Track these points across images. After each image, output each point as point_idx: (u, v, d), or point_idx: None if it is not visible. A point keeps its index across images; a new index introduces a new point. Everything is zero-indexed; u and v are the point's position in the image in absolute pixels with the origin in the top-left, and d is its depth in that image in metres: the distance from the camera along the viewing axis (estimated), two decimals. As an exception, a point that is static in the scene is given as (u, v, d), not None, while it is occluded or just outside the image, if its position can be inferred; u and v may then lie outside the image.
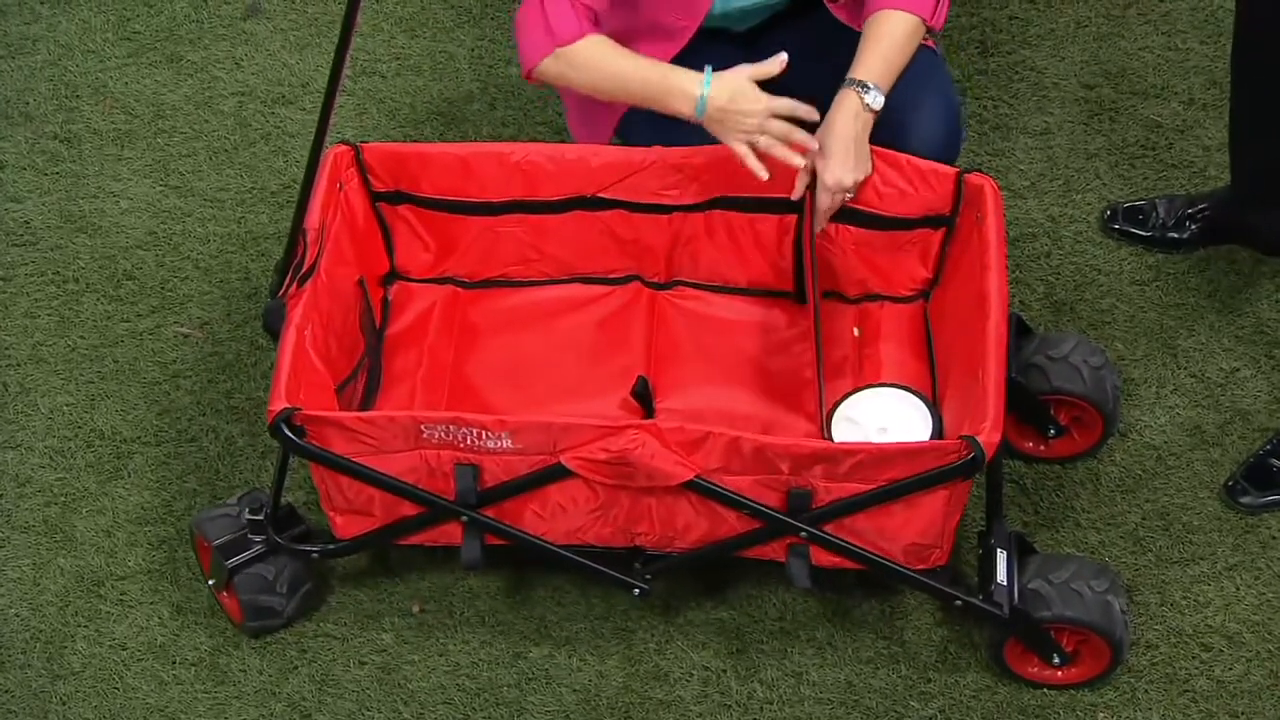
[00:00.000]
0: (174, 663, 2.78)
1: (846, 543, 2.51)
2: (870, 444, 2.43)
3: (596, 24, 2.62)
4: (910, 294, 2.82)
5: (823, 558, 2.55)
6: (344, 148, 2.73)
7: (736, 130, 2.56)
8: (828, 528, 2.49)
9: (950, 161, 2.72)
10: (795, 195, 2.67)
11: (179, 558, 2.89)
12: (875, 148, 2.63)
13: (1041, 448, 2.88)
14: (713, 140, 2.67)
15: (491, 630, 2.78)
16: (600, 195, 2.76)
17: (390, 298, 2.89)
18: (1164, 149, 3.28)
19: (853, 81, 2.57)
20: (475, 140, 3.38)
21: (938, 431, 2.59)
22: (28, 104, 3.54)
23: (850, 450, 2.39)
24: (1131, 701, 2.65)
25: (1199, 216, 3.12)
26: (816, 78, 2.63)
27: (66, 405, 3.09)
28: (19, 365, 3.15)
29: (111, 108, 3.52)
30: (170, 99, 3.53)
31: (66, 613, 2.85)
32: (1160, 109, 3.34)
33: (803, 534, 2.50)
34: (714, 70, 2.56)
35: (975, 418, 2.41)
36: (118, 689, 2.76)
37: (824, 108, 2.59)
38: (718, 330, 2.83)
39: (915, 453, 2.39)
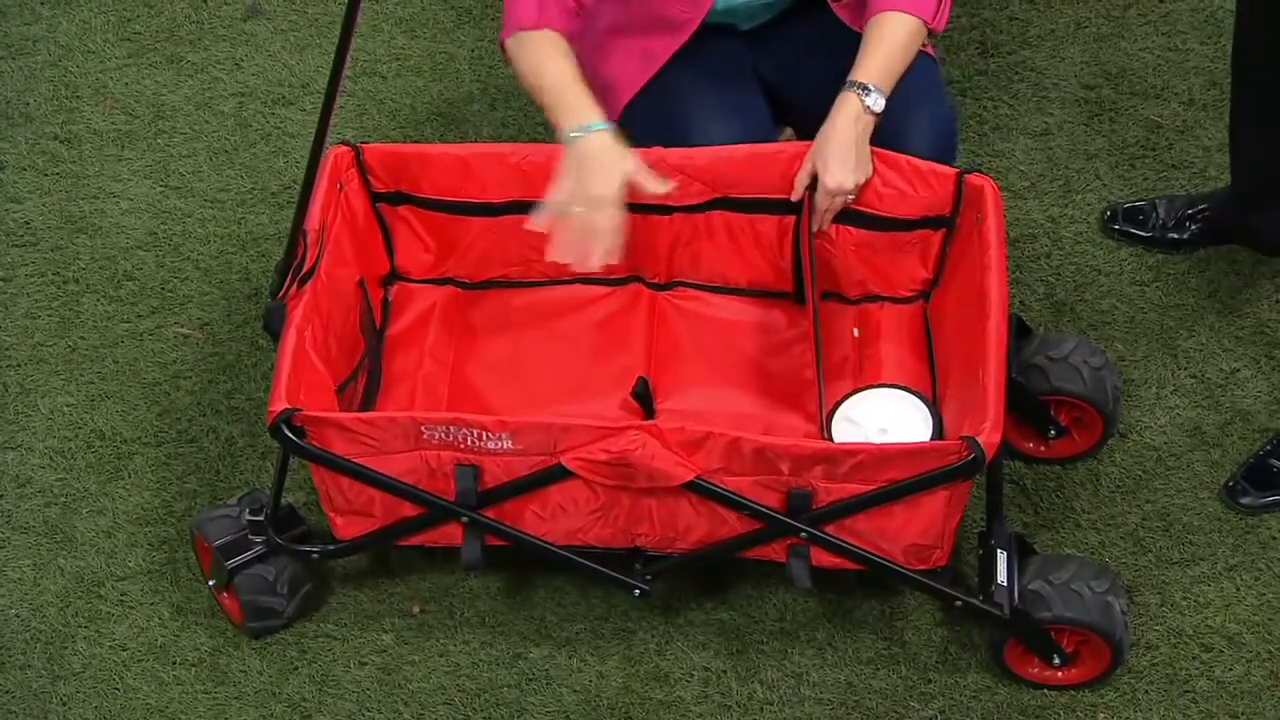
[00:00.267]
0: (174, 663, 2.78)
1: (847, 543, 2.51)
2: (870, 445, 2.43)
3: (576, 17, 2.60)
4: (910, 295, 2.82)
5: (823, 558, 2.55)
6: (344, 148, 2.73)
7: (573, 185, 2.53)
8: (828, 528, 2.49)
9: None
10: (795, 197, 2.67)
11: (179, 558, 2.89)
12: (875, 149, 2.62)
13: (1042, 448, 2.88)
14: (713, 141, 2.67)
15: (492, 631, 2.77)
16: None
17: (390, 298, 2.89)
18: (1164, 149, 3.28)
19: (853, 84, 2.56)
20: (475, 141, 3.38)
21: (938, 432, 2.59)
22: (28, 104, 3.54)
23: (851, 451, 2.39)
24: (1132, 702, 2.65)
25: (1199, 217, 3.12)
26: (819, 77, 2.63)
27: (67, 406, 3.09)
28: (19, 366, 3.15)
29: (112, 108, 3.52)
30: (170, 100, 3.53)
31: (67, 613, 2.85)
32: (1160, 109, 3.34)
33: (803, 535, 2.49)
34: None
35: (975, 418, 2.41)
36: (118, 690, 2.76)
37: (825, 108, 2.59)
38: (718, 331, 2.83)
39: (916, 453, 2.39)
